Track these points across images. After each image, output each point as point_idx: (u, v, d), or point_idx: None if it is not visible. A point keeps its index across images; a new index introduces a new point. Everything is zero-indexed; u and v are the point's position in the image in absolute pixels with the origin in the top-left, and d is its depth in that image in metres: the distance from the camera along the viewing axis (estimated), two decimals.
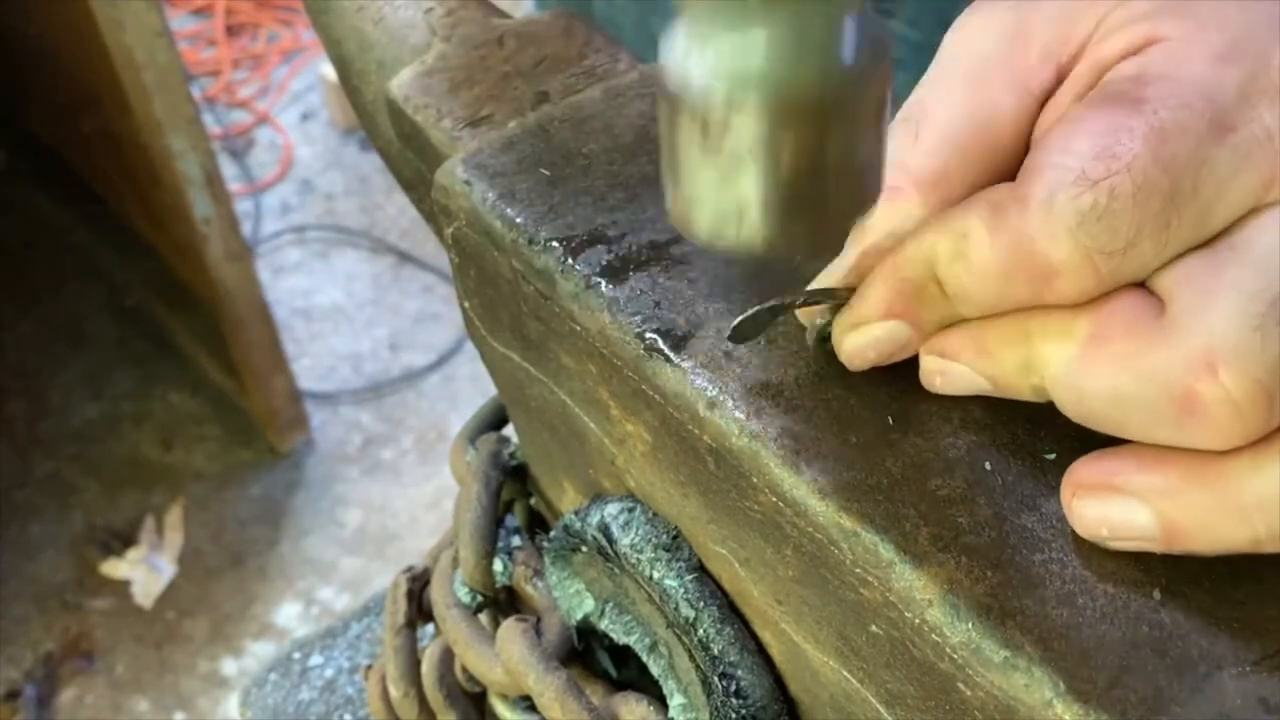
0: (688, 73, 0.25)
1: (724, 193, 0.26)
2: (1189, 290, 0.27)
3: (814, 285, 0.34)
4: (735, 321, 0.33)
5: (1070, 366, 0.28)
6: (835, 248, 0.32)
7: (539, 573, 0.50)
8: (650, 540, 0.39)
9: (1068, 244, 0.27)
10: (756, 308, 0.33)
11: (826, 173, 0.26)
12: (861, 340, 0.32)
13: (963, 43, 0.33)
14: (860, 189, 0.27)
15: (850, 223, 0.28)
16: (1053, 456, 0.31)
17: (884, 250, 0.31)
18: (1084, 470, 0.29)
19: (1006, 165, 0.31)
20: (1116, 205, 0.27)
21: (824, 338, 0.34)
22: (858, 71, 0.25)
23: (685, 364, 0.35)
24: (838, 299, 0.33)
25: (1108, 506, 0.28)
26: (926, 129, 0.31)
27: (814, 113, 0.25)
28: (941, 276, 0.30)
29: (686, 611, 0.38)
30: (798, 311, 0.34)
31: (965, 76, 0.32)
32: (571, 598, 0.45)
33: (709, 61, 0.24)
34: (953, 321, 0.31)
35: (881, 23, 0.26)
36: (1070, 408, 0.29)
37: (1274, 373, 0.26)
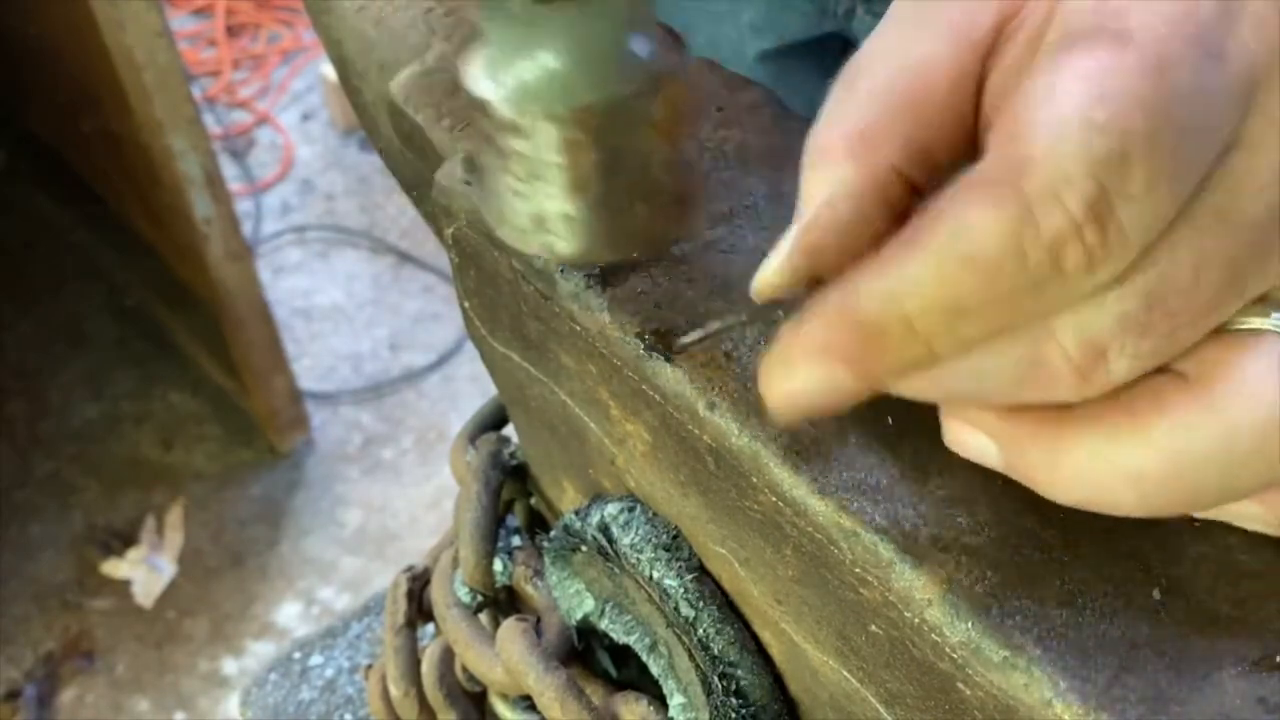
0: (483, 91, 0.26)
1: (524, 203, 0.26)
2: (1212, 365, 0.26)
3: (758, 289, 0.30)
4: (684, 341, 0.33)
5: (1132, 465, 0.26)
6: (647, 253, 0.30)
7: (539, 573, 0.50)
8: (650, 540, 0.39)
9: (1088, 186, 0.23)
10: (703, 333, 0.32)
11: (619, 181, 0.26)
12: (787, 386, 0.27)
13: (907, 8, 0.29)
14: (665, 198, 0.27)
15: (664, 233, 0.28)
16: None
17: (826, 230, 0.27)
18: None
19: (940, 120, 0.28)
20: (1132, 147, 0.23)
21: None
22: (643, 82, 0.25)
23: (685, 364, 0.35)
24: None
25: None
26: (862, 82, 0.28)
27: (597, 132, 0.25)
28: (914, 311, 0.25)
29: (686, 611, 0.38)
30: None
31: (903, 27, 0.29)
32: (571, 598, 0.45)
33: (500, 81, 0.25)
34: (917, 367, 0.26)
35: (674, 37, 0.26)
36: (1140, 502, 0.27)
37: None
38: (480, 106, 0.26)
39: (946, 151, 0.28)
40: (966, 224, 0.24)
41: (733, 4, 0.90)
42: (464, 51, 0.26)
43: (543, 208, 0.26)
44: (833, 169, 0.27)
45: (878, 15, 0.91)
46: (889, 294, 0.25)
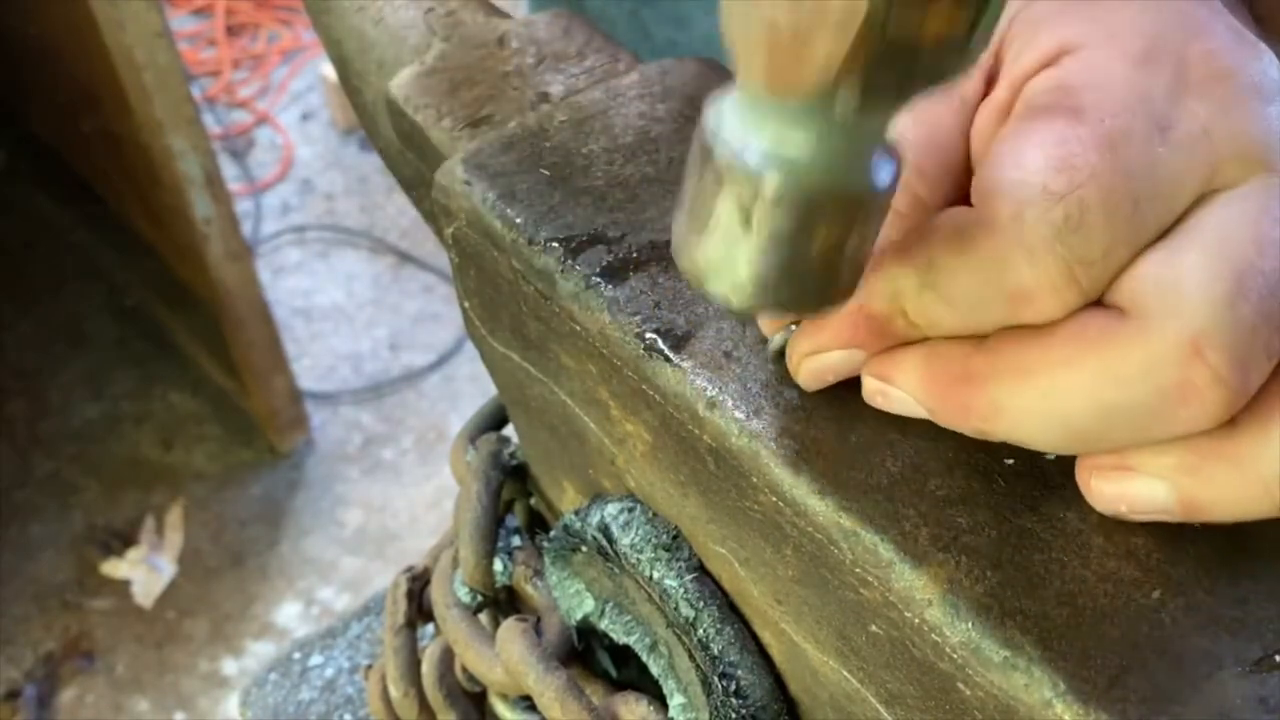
0: (740, 149, 0.26)
1: (739, 262, 0.28)
2: (1151, 287, 0.27)
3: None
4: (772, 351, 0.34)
5: (1040, 400, 0.28)
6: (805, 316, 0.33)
7: (539, 573, 0.50)
8: (650, 540, 0.39)
9: (1047, 260, 0.27)
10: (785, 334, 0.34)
11: (830, 266, 0.28)
12: (818, 366, 0.32)
13: None
14: (829, 285, 0.29)
15: (815, 309, 0.30)
16: (1052, 456, 0.31)
17: None
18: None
19: (962, 179, 0.31)
20: (1089, 216, 0.27)
21: (782, 353, 0.34)
22: (883, 191, 0.27)
23: (685, 364, 0.35)
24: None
25: (1125, 485, 0.29)
26: (911, 153, 0.31)
27: (844, 218, 0.27)
28: (910, 310, 0.30)
29: (686, 611, 0.38)
30: (760, 323, 0.35)
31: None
32: (571, 598, 0.45)
33: (764, 145, 0.26)
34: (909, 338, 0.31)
35: (901, 155, 0.28)
36: (1046, 437, 0.29)
37: (1249, 343, 0.26)
38: (729, 162, 0.26)
39: (956, 181, 0.32)
40: (929, 258, 0.29)
41: None
42: (715, 94, 0.27)
43: (737, 262, 0.28)
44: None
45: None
46: (889, 295, 0.30)
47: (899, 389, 0.31)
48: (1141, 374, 0.27)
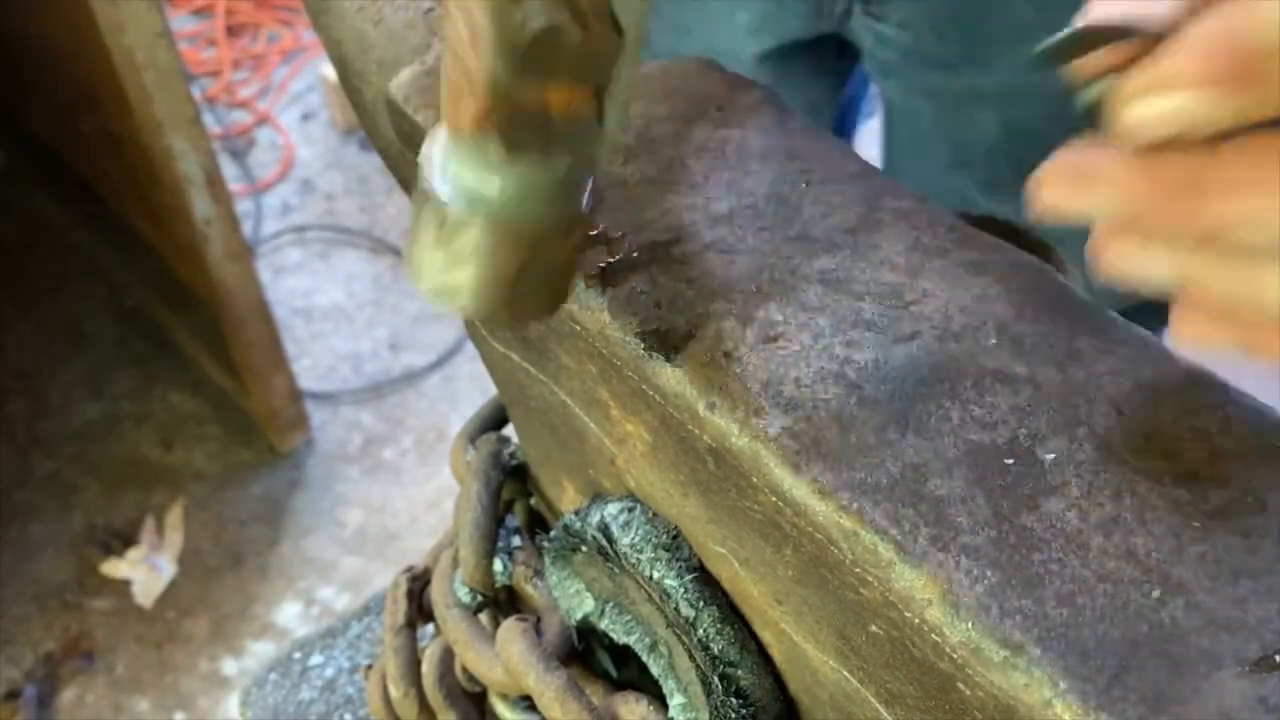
0: (436, 179, 0.31)
1: (445, 274, 0.32)
2: None
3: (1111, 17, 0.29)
4: (1046, 45, 0.30)
5: None
6: (525, 325, 0.39)
7: (539, 573, 0.50)
8: (650, 540, 0.39)
9: None
10: (1060, 36, 0.29)
11: (525, 279, 0.32)
12: (1159, 109, 0.26)
13: None
14: (546, 293, 0.34)
15: (535, 315, 0.35)
16: (1052, 457, 0.31)
17: None
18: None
19: None
20: None
21: (1064, 55, 0.29)
22: (568, 216, 0.32)
23: (685, 364, 0.35)
24: (1139, 43, 0.27)
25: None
26: None
27: (524, 242, 0.32)
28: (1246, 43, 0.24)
29: (686, 611, 0.38)
30: (1074, 64, 0.30)
31: None
32: (571, 598, 0.45)
33: (454, 177, 0.31)
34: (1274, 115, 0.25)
35: (597, 185, 0.33)
36: None
37: None
38: (432, 194, 0.31)
39: None
40: None
41: (728, 6, 0.90)
42: (427, 142, 0.32)
43: (458, 279, 0.32)
44: None
45: (875, 16, 0.91)
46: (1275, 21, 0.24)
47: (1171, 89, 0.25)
48: None
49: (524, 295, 0.33)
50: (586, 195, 0.33)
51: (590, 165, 0.32)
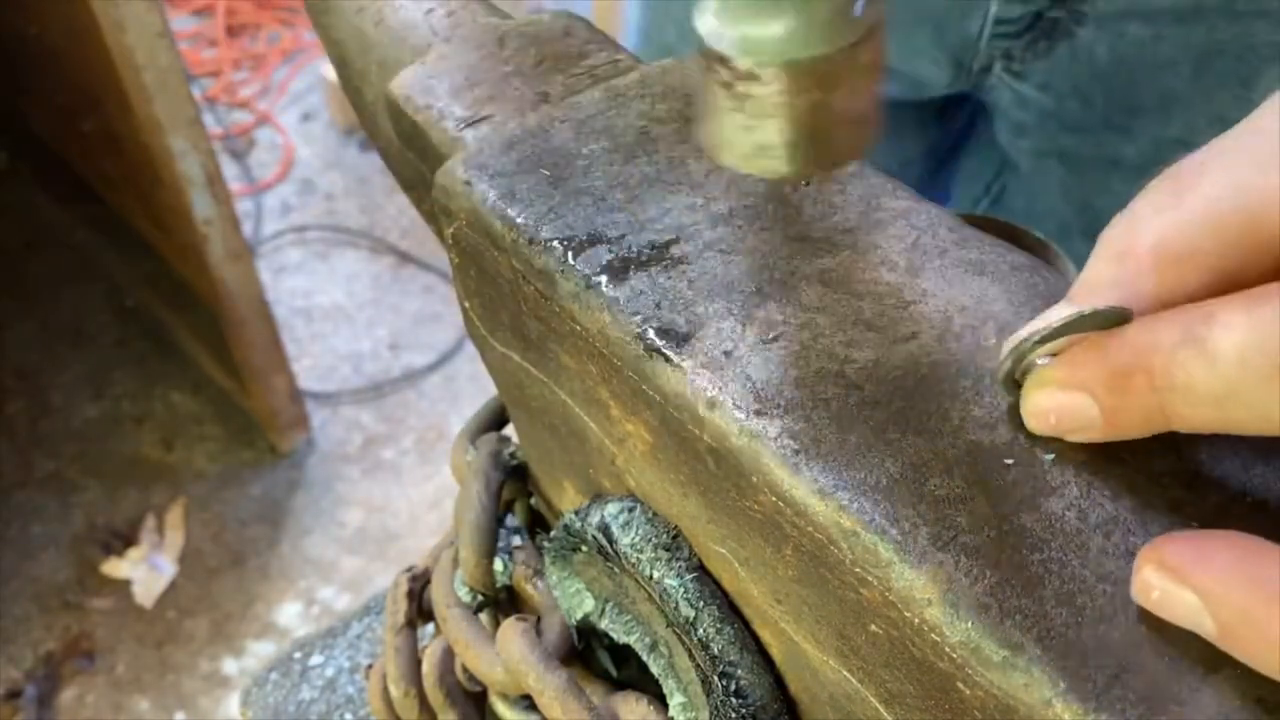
0: (716, 43, 0.30)
1: (748, 136, 0.31)
2: None
3: (1024, 331, 0.32)
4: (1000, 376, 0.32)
5: None
6: (844, 166, 0.37)
7: (539, 572, 0.50)
8: (650, 540, 0.39)
9: None
10: (1012, 362, 0.32)
11: (831, 119, 0.31)
12: (1044, 402, 0.30)
13: (1275, 120, 0.28)
14: (862, 121, 0.32)
15: (859, 149, 0.33)
16: (1051, 457, 0.31)
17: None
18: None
19: (1264, 267, 0.28)
20: None
21: (1015, 383, 0.32)
22: (857, 42, 0.30)
23: (685, 364, 0.35)
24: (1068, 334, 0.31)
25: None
26: (1191, 196, 0.28)
27: (820, 78, 0.30)
28: (1159, 366, 0.27)
29: (686, 611, 0.38)
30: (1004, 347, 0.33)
31: (1261, 155, 0.28)
32: (571, 597, 0.45)
33: (738, 35, 0.30)
34: (1151, 424, 0.28)
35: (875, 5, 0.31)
36: None
37: None
38: (715, 57, 0.31)
39: (1250, 284, 0.28)
40: (1211, 311, 0.26)
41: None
42: (697, 14, 0.31)
43: (768, 139, 0.31)
44: (1133, 276, 0.28)
45: (1017, 75, 0.87)
46: (1138, 350, 0.27)
47: (1191, 592, 0.26)
48: None
49: (834, 137, 0.32)
50: (864, 13, 0.30)
51: None
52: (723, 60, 0.30)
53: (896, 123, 0.95)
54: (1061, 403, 0.30)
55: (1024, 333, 0.31)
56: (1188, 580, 0.26)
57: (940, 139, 0.99)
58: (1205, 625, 0.26)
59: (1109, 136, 0.74)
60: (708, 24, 0.31)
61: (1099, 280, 0.29)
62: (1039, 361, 0.31)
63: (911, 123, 0.95)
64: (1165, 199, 0.28)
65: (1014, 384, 0.32)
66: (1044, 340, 0.30)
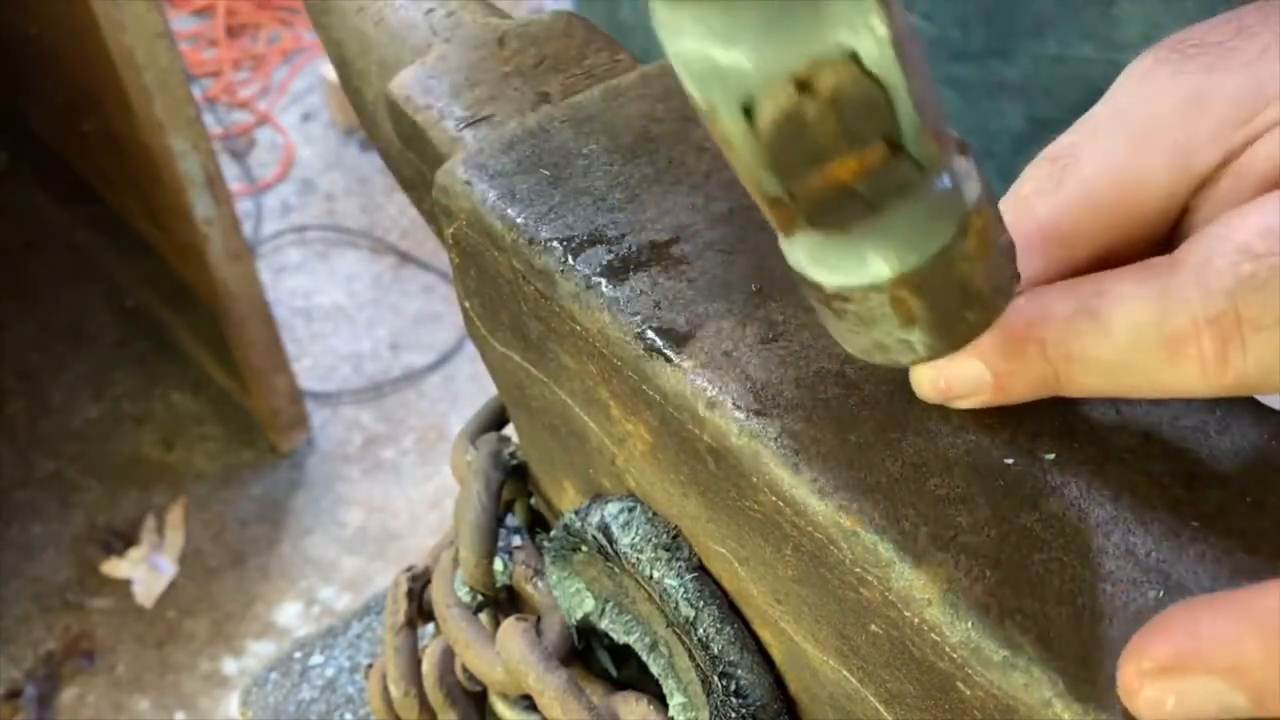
0: (812, 275, 0.28)
1: (862, 339, 0.29)
2: None
3: None
4: None
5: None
6: (979, 335, 0.32)
7: (539, 572, 0.50)
8: (650, 540, 0.39)
9: (1218, 304, 0.25)
10: None
11: (946, 307, 0.28)
12: (932, 375, 0.31)
13: (1137, 96, 0.31)
14: (987, 295, 0.29)
15: (998, 314, 0.29)
16: (1052, 457, 0.31)
17: None
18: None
19: (1142, 239, 0.30)
20: (1274, 281, 0.25)
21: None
22: (954, 228, 0.27)
23: (685, 364, 0.35)
24: None
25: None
26: (1071, 179, 0.30)
27: (919, 286, 0.27)
28: (1053, 336, 0.28)
29: (686, 611, 0.38)
30: None
31: (1129, 136, 0.30)
32: (571, 597, 0.45)
33: (833, 273, 0.27)
34: (1042, 389, 0.30)
35: (965, 157, 0.27)
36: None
37: None
38: (808, 283, 0.28)
39: (1133, 259, 0.29)
40: (1101, 286, 0.27)
41: None
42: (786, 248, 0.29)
43: (881, 341, 0.29)
44: (1022, 254, 0.30)
45: (906, 5, 0.89)
46: (1030, 320, 0.29)
47: (1202, 675, 0.24)
48: None
49: (955, 321, 0.28)
50: (965, 184, 0.27)
51: (937, 187, 0.27)
52: (813, 285, 0.28)
53: None
54: (953, 373, 0.30)
55: None
56: (1196, 668, 0.24)
57: None
58: (1237, 704, 0.24)
59: (991, 61, 0.77)
60: (795, 259, 0.28)
61: None
62: None
63: None
64: (1045, 183, 0.30)
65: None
66: None
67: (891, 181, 0.26)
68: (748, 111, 0.24)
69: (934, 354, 0.29)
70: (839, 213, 0.26)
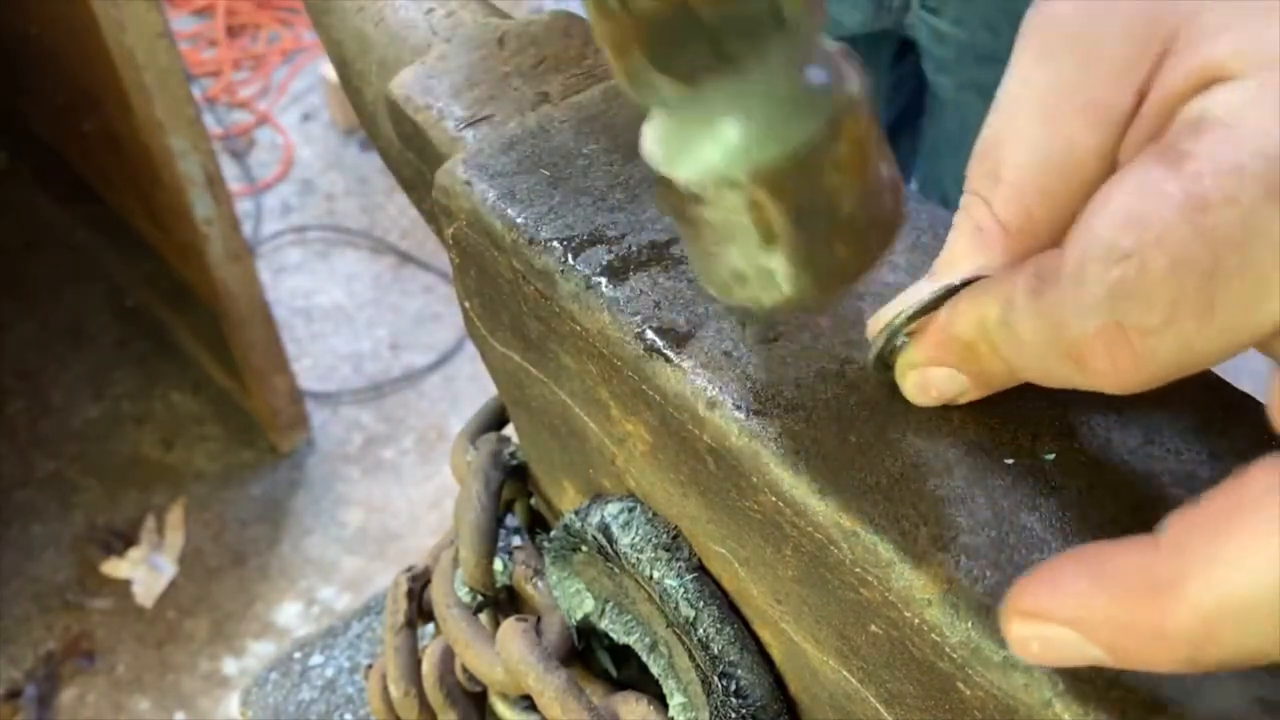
0: (661, 168, 0.26)
1: (720, 263, 0.27)
2: None
3: (891, 310, 0.32)
4: (872, 357, 0.32)
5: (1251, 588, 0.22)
6: (852, 285, 0.30)
7: (539, 572, 0.50)
8: (650, 540, 0.39)
9: (1097, 321, 0.25)
10: (882, 342, 0.32)
11: (811, 227, 0.26)
12: (917, 380, 0.32)
13: (1031, 62, 0.29)
14: (861, 228, 0.27)
15: (866, 262, 0.28)
16: (1052, 457, 0.31)
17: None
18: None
19: (1088, 195, 0.28)
20: (1148, 281, 0.24)
21: (885, 364, 0.33)
22: (819, 125, 0.25)
23: (685, 364, 0.35)
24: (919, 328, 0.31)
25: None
26: (1005, 169, 0.29)
27: (776, 179, 0.25)
28: (994, 340, 0.29)
29: (686, 611, 0.38)
30: (869, 330, 0.33)
31: (1038, 109, 0.29)
32: (571, 597, 0.45)
33: (675, 156, 0.25)
34: (1011, 380, 0.30)
35: (843, 59, 0.26)
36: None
37: None
38: (661, 181, 0.26)
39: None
40: (1012, 294, 0.27)
41: None
42: (642, 124, 0.26)
43: (739, 265, 0.26)
44: (987, 246, 0.30)
45: (931, 10, 0.91)
46: (974, 320, 0.29)
47: (1059, 625, 0.25)
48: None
49: (824, 251, 0.26)
50: (826, 75, 0.25)
51: (803, 47, 0.24)
52: (665, 182, 0.26)
53: None
54: (932, 378, 0.31)
55: (891, 311, 0.32)
56: (1054, 616, 0.25)
57: (874, 83, 1.03)
58: (1094, 655, 0.24)
59: None
60: (647, 146, 0.26)
61: (958, 254, 0.30)
62: (899, 340, 0.32)
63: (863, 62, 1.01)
64: (984, 183, 0.30)
65: (884, 365, 0.33)
66: (914, 317, 0.31)
67: (743, 22, 0.23)
68: None
69: (799, 293, 0.27)
70: (685, 52, 0.23)
